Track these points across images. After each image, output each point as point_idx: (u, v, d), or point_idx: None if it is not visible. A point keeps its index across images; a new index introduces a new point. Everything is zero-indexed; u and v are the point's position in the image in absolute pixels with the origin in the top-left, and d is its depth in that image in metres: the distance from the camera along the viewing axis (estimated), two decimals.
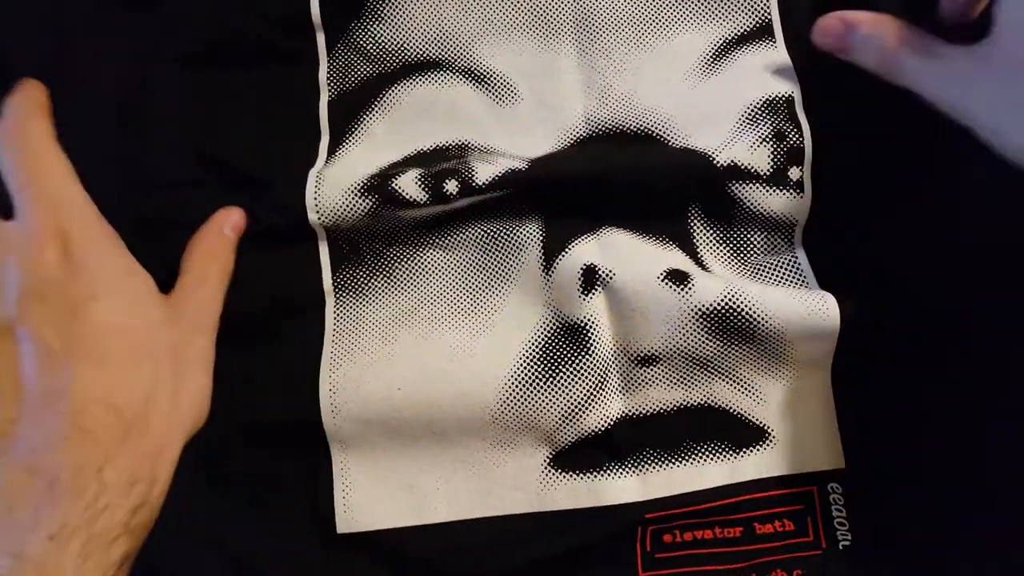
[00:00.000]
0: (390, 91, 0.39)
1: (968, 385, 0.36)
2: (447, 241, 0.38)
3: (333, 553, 0.37)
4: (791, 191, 0.37)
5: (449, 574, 0.36)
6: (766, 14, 0.39)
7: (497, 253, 0.38)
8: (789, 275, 0.37)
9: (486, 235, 0.38)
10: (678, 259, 0.37)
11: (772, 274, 0.38)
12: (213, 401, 0.35)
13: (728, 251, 0.38)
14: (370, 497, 0.37)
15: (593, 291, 0.36)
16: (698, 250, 0.37)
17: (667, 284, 0.36)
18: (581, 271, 0.37)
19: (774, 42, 0.39)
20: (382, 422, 0.37)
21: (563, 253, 0.37)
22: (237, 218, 0.37)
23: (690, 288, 0.36)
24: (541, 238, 0.38)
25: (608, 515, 0.36)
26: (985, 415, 0.35)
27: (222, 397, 0.36)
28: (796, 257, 0.38)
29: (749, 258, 0.38)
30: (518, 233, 0.38)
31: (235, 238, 0.37)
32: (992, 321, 0.36)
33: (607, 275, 0.36)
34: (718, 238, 0.38)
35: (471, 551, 0.37)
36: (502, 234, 0.38)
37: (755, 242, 0.37)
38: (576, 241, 0.37)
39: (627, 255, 0.37)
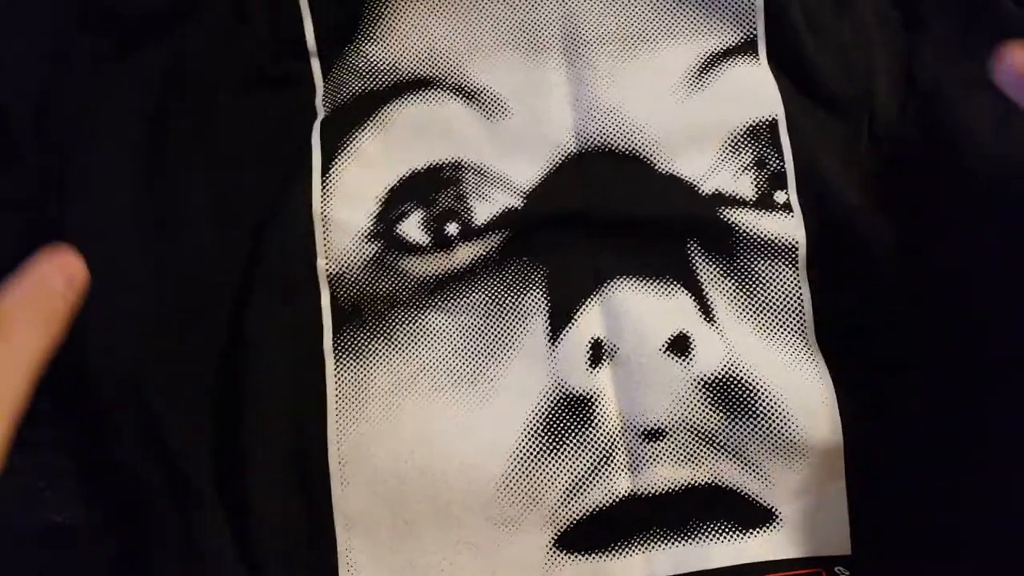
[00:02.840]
0: (382, 109, 0.39)
1: (983, 467, 0.36)
2: (449, 305, 0.38)
3: None
4: (780, 212, 0.38)
5: None
6: (752, 30, 0.40)
7: (500, 319, 0.38)
8: (793, 317, 0.38)
9: (489, 300, 0.38)
10: (684, 313, 0.37)
11: (777, 316, 0.38)
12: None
13: (734, 284, 0.38)
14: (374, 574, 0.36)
15: (600, 364, 0.37)
16: (703, 289, 0.37)
17: (669, 356, 0.36)
18: (589, 344, 0.37)
19: (757, 59, 0.40)
20: (389, 496, 0.36)
21: (569, 325, 0.37)
22: (75, 270, 0.29)
23: (692, 358, 0.36)
24: (547, 307, 0.37)
25: None
26: (999, 506, 0.35)
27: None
28: (800, 288, 0.38)
29: (756, 290, 0.38)
30: (522, 301, 0.38)
31: (69, 297, 0.29)
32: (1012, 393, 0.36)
33: (612, 349, 0.37)
34: (722, 271, 0.38)
35: None
36: (506, 300, 0.38)
37: (760, 271, 0.38)
38: (581, 309, 0.37)
39: (632, 323, 0.37)
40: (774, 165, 0.39)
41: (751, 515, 0.36)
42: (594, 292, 0.37)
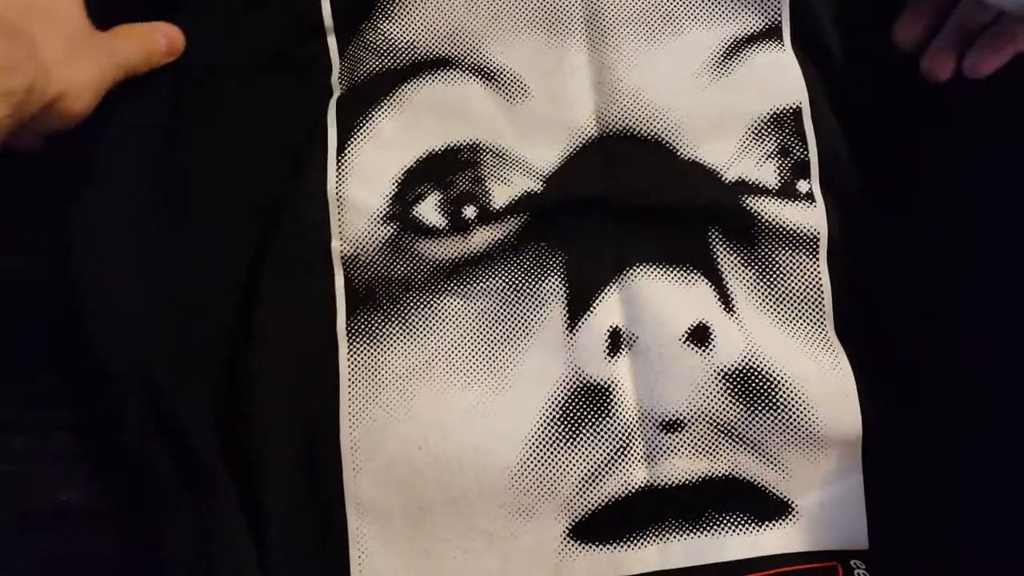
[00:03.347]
0: (400, 89, 0.38)
1: (1002, 465, 0.35)
2: (466, 289, 0.37)
3: None
4: (803, 202, 0.38)
5: None
6: (776, 16, 0.39)
7: (518, 305, 0.37)
8: (813, 307, 0.37)
9: (506, 286, 0.37)
10: (704, 303, 0.36)
11: (797, 306, 0.37)
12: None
13: (755, 274, 0.37)
14: (386, 563, 0.35)
15: (619, 353, 0.36)
16: (723, 278, 0.37)
17: (689, 346, 0.36)
18: (608, 333, 0.36)
19: (782, 44, 0.39)
20: (402, 482, 0.35)
21: (588, 313, 0.37)
22: (177, 38, 0.37)
23: (712, 349, 0.36)
24: (565, 294, 0.37)
25: None
26: (1018, 501, 0.35)
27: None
28: (820, 279, 0.38)
29: (776, 280, 0.37)
30: (540, 287, 0.37)
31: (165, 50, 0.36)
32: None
33: (631, 338, 0.36)
34: (743, 261, 0.37)
35: None
36: (524, 286, 0.37)
37: (781, 261, 0.37)
38: (600, 297, 0.37)
39: (651, 312, 0.36)
40: (798, 154, 0.38)
41: (767, 507, 0.36)
42: (613, 280, 0.37)
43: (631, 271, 0.37)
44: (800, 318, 0.37)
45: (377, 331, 0.37)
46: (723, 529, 0.36)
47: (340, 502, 0.35)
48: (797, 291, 0.37)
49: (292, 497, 0.36)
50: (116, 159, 0.37)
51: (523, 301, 0.37)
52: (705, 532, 0.36)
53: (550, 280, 0.37)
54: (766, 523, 0.36)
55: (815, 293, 0.37)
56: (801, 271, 0.37)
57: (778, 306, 0.37)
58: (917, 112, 0.38)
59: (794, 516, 0.36)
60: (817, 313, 0.37)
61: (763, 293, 0.37)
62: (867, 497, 0.36)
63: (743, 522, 0.36)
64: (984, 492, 0.36)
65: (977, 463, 0.36)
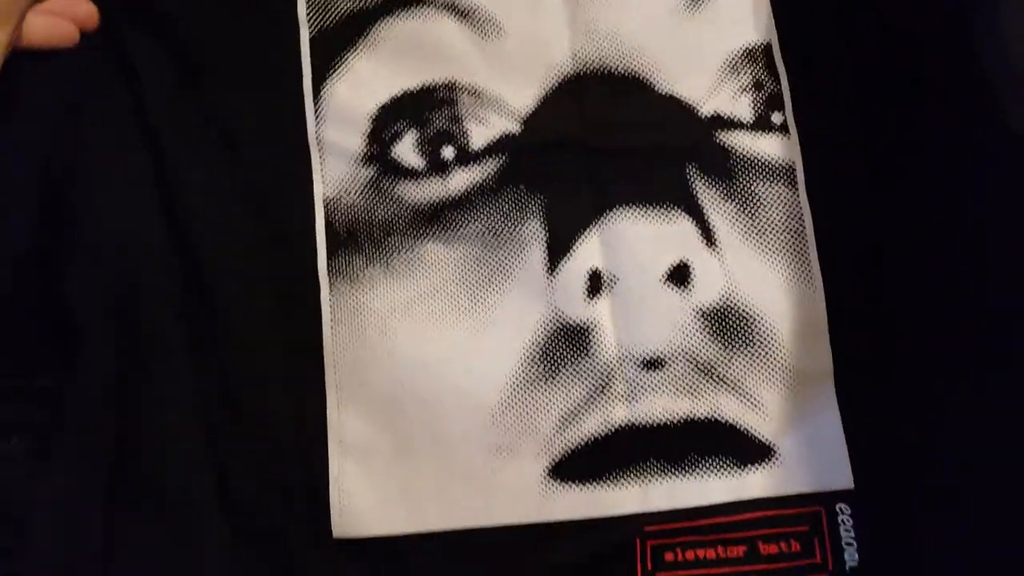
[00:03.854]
0: (373, 27, 0.38)
1: (979, 393, 0.35)
2: (446, 234, 0.37)
3: (327, 559, 0.35)
4: (777, 133, 0.38)
5: None
6: None
7: (498, 249, 0.37)
8: (794, 237, 0.37)
9: (486, 230, 0.37)
10: (684, 240, 0.36)
11: (778, 237, 0.37)
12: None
13: (735, 207, 0.37)
14: (367, 502, 0.35)
15: (598, 295, 0.36)
16: (704, 212, 0.37)
17: (669, 285, 0.36)
18: (588, 275, 0.36)
19: None
20: (384, 421, 0.35)
21: (567, 255, 0.37)
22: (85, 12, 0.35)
23: (691, 288, 0.36)
24: (544, 237, 0.37)
25: (607, 527, 0.35)
26: (999, 426, 0.34)
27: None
28: (800, 209, 0.37)
29: (757, 212, 0.37)
30: (520, 230, 0.37)
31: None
32: (1005, 310, 0.35)
33: (611, 280, 0.36)
34: (722, 194, 0.37)
35: (468, 563, 0.35)
36: (503, 230, 0.37)
37: (760, 193, 0.37)
38: (579, 239, 0.37)
39: (631, 253, 0.36)
40: (770, 87, 0.38)
41: (750, 450, 0.36)
42: (593, 222, 0.37)
43: (611, 213, 0.37)
44: (782, 248, 0.37)
45: (358, 272, 0.37)
46: (706, 472, 0.35)
47: (323, 440, 0.35)
48: (778, 221, 0.37)
49: (274, 436, 0.36)
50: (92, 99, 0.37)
51: (503, 245, 0.37)
52: (687, 475, 0.35)
53: (529, 223, 0.37)
54: (749, 466, 0.36)
55: (796, 222, 0.37)
56: (781, 201, 0.37)
57: (760, 237, 0.37)
58: (887, 49, 0.38)
59: (777, 459, 0.36)
60: (799, 242, 0.37)
61: (745, 224, 0.37)
62: (849, 436, 0.36)
63: (726, 465, 0.36)
64: (962, 428, 0.35)
65: (953, 400, 0.35)
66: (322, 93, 0.38)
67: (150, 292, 0.37)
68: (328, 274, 0.37)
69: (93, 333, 0.36)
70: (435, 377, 0.36)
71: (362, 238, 0.37)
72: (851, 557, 0.35)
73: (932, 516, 0.35)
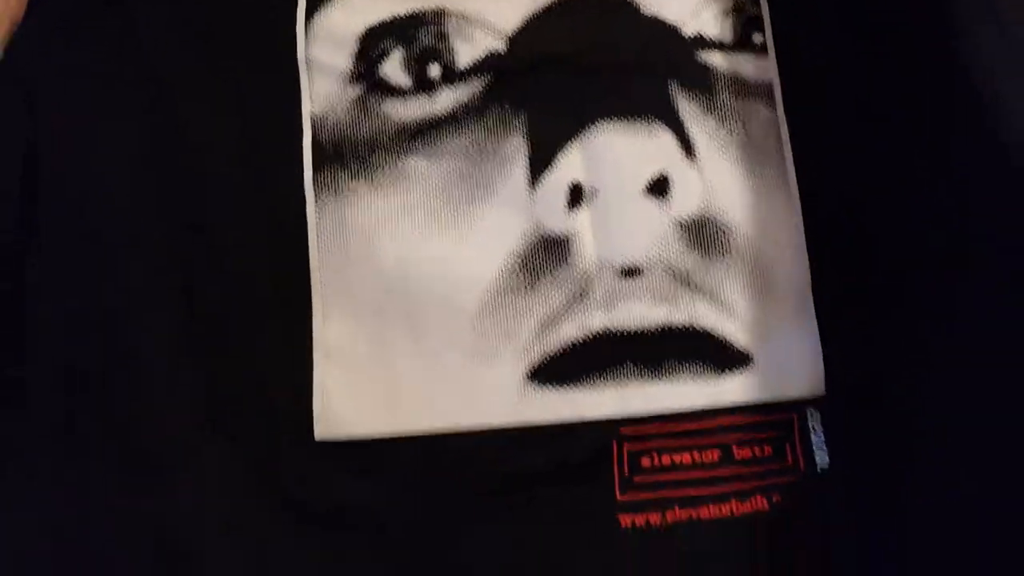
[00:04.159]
0: None
1: (952, 306, 0.36)
2: (430, 150, 0.38)
3: (310, 459, 0.35)
4: (756, 53, 0.39)
5: (424, 486, 0.35)
6: None
7: (481, 165, 0.38)
8: (772, 154, 0.38)
9: (470, 146, 0.38)
10: (664, 153, 0.37)
11: (756, 152, 0.38)
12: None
13: (715, 121, 0.38)
14: (349, 406, 0.36)
15: (579, 206, 0.37)
16: (684, 126, 0.38)
17: (649, 197, 0.37)
18: (568, 187, 0.37)
19: None
20: (368, 328, 0.36)
21: (549, 169, 0.37)
22: None
23: (670, 200, 0.37)
24: (527, 152, 0.38)
25: (584, 430, 0.35)
26: (968, 339, 0.35)
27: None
28: (778, 127, 0.38)
29: (736, 127, 0.38)
30: (503, 146, 0.38)
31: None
32: (982, 233, 0.36)
33: (591, 192, 0.37)
34: (703, 109, 0.38)
35: (447, 464, 0.36)
36: (487, 146, 0.38)
37: (739, 108, 0.38)
38: (561, 153, 0.37)
39: (612, 166, 0.37)
40: (751, 9, 0.39)
41: (726, 357, 0.36)
42: (575, 136, 0.38)
43: (592, 127, 0.38)
44: (760, 162, 0.38)
45: (343, 186, 0.38)
46: (682, 378, 0.36)
47: (307, 347, 0.36)
48: (756, 136, 0.38)
49: (260, 345, 0.36)
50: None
51: (486, 160, 0.38)
52: (664, 380, 0.36)
53: (512, 140, 0.38)
54: (725, 373, 0.36)
55: (774, 139, 0.38)
56: (759, 117, 0.38)
57: (738, 151, 0.38)
58: None
59: (752, 367, 0.37)
60: (776, 158, 0.38)
61: (724, 139, 0.38)
62: (822, 343, 0.37)
63: (702, 371, 0.36)
64: (932, 339, 0.36)
65: (926, 311, 0.36)
66: (315, 17, 0.39)
67: (133, 202, 0.37)
68: (314, 188, 0.38)
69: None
70: (418, 286, 0.37)
71: (347, 154, 0.38)
72: (822, 460, 0.36)
73: (900, 422, 0.36)
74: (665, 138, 0.37)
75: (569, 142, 0.38)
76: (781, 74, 0.38)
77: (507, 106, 0.38)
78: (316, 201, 0.37)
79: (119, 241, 0.37)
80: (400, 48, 0.38)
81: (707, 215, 0.37)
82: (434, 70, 0.38)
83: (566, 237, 0.37)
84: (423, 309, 0.36)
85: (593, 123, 0.38)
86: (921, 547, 0.34)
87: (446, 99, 0.38)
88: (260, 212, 0.38)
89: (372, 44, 0.38)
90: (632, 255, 0.36)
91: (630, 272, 0.36)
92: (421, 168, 0.38)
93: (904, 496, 0.35)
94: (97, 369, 0.36)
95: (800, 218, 0.37)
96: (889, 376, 0.36)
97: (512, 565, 0.35)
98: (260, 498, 0.35)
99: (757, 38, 0.39)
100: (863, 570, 0.35)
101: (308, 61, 0.38)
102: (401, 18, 0.39)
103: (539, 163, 0.38)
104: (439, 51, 0.38)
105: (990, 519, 0.34)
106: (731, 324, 0.37)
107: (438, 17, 0.39)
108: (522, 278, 0.36)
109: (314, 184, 0.38)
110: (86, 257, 0.37)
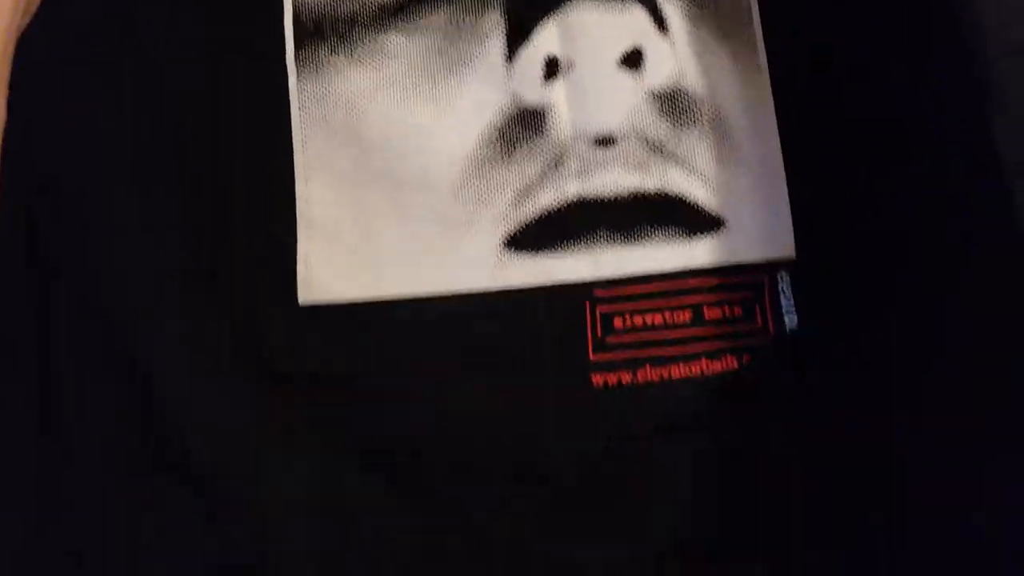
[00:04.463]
0: None
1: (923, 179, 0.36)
2: (409, 25, 0.39)
3: (293, 323, 0.37)
4: None
5: (404, 348, 0.37)
6: None
7: (459, 40, 0.39)
8: (742, 28, 0.39)
9: (448, 22, 0.39)
10: (638, 28, 0.38)
11: (726, 27, 0.39)
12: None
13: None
14: (331, 272, 0.37)
15: (555, 79, 0.38)
16: (657, 1, 0.38)
17: (623, 69, 0.38)
18: (545, 60, 0.38)
19: None
20: (350, 199, 0.37)
21: (526, 43, 0.38)
22: None
23: (643, 71, 0.38)
24: (504, 27, 0.38)
25: (559, 292, 0.37)
26: (935, 208, 0.36)
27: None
28: (749, 4, 0.39)
29: (705, 3, 0.39)
30: (481, 22, 0.39)
31: None
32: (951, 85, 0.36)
33: (567, 64, 0.38)
34: None
35: (426, 326, 0.37)
36: (465, 22, 0.39)
37: None
38: (538, 28, 0.38)
39: (587, 39, 0.38)
40: None
41: (697, 222, 0.37)
42: (552, 11, 0.38)
43: (569, 3, 0.38)
44: (730, 37, 0.39)
45: (324, 61, 0.39)
46: (654, 242, 0.37)
47: (291, 217, 0.38)
48: (726, 10, 0.39)
49: (245, 219, 0.38)
50: None
51: (464, 36, 0.39)
52: (637, 244, 0.37)
53: (490, 16, 0.39)
54: (697, 236, 0.37)
55: (744, 13, 0.39)
56: None
57: (709, 25, 0.39)
58: None
59: (724, 230, 0.37)
60: (746, 32, 0.39)
61: (695, 15, 0.39)
62: (794, 209, 0.37)
63: (674, 235, 0.37)
64: (904, 206, 0.37)
65: (897, 182, 0.37)
66: None
67: (116, 81, 0.38)
68: (296, 63, 0.39)
69: None
70: (399, 156, 0.38)
71: (327, 30, 0.39)
72: (791, 322, 0.37)
73: (869, 285, 0.37)
74: (638, 14, 0.38)
75: (546, 17, 0.38)
76: None
77: None
78: (298, 76, 0.38)
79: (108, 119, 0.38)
80: None
81: (679, 86, 0.38)
82: None
83: (542, 109, 0.38)
84: (403, 180, 0.38)
85: (569, 0, 0.38)
86: (887, 406, 0.36)
87: None
88: (243, 90, 0.39)
89: None
90: (606, 124, 0.37)
91: (604, 141, 0.37)
92: (400, 44, 0.39)
93: (872, 358, 0.36)
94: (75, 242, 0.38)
95: (769, 90, 0.38)
96: (858, 240, 0.37)
97: (486, 423, 0.36)
98: (244, 360, 0.36)
99: None
100: (831, 430, 0.36)
101: None
102: None
103: (516, 37, 0.38)
104: None
105: (958, 374, 0.35)
106: (702, 190, 0.37)
107: None
108: (499, 149, 0.37)
109: (296, 60, 0.38)
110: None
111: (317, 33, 0.39)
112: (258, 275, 0.37)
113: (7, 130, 0.33)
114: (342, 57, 0.39)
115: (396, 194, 0.38)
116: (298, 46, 0.39)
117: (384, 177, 0.38)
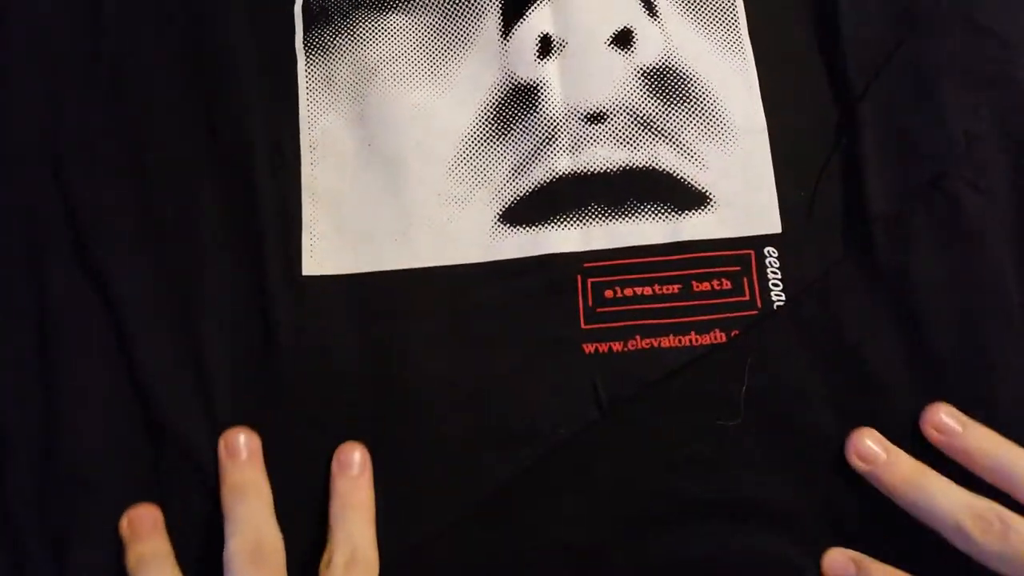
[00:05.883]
0: None
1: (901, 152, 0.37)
2: (409, 5, 0.40)
3: (299, 295, 0.38)
4: None
5: (403, 316, 0.38)
6: None
7: (456, 19, 0.40)
8: (727, 12, 0.40)
9: (445, 1, 0.40)
10: (629, 9, 0.39)
11: (713, 11, 0.40)
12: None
13: None
14: (334, 245, 0.39)
15: (548, 56, 0.39)
16: None
17: (613, 48, 0.39)
18: (538, 38, 0.39)
19: None
20: (353, 176, 0.39)
21: (521, 21, 0.39)
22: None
23: (634, 50, 0.39)
24: (499, 6, 0.40)
25: (551, 264, 0.38)
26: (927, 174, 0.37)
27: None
28: None
29: None
30: (477, 1, 0.40)
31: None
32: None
33: (560, 43, 0.39)
34: None
35: (425, 295, 0.38)
36: (461, 2, 0.40)
37: None
38: (532, 7, 0.39)
39: (579, 19, 0.39)
40: None
41: (686, 197, 0.38)
42: None
43: None
44: (715, 22, 0.40)
45: (329, 44, 0.40)
46: (644, 216, 0.38)
47: (298, 192, 0.39)
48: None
49: (256, 188, 0.39)
50: None
51: (461, 15, 0.40)
52: (627, 218, 0.38)
53: None
54: (685, 211, 0.38)
55: (729, 1, 0.40)
56: None
57: (695, 11, 0.40)
58: None
59: (712, 206, 0.38)
60: (731, 18, 0.40)
61: (682, 1, 0.40)
62: (777, 182, 0.38)
63: (663, 210, 0.38)
64: (885, 182, 0.37)
65: (877, 157, 0.38)
66: None
67: (137, 56, 0.40)
68: (304, 48, 0.40)
69: None
70: (398, 134, 0.39)
71: (333, 12, 0.41)
72: (778, 296, 0.38)
73: (854, 260, 0.37)
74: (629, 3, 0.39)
75: None
76: None
77: None
78: (306, 60, 0.40)
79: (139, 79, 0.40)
80: None
81: (668, 64, 0.39)
82: None
83: (535, 85, 0.39)
84: (403, 156, 0.39)
85: None
86: (872, 380, 0.36)
87: None
88: (257, 74, 0.40)
89: None
90: (597, 101, 0.38)
91: (595, 117, 0.38)
92: (399, 23, 0.40)
93: (857, 332, 0.37)
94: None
95: (754, 69, 0.39)
96: (844, 215, 0.38)
97: (480, 388, 0.37)
98: (248, 328, 0.38)
99: None
100: (814, 403, 0.37)
101: None
102: None
103: (511, 16, 0.40)
104: None
105: (940, 346, 0.36)
106: (691, 166, 0.38)
107: None
108: (495, 126, 0.39)
109: (304, 45, 0.40)
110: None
111: (323, 16, 0.41)
112: (268, 246, 0.39)
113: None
114: (345, 38, 0.40)
115: (395, 171, 0.39)
116: (306, 30, 0.41)
117: (384, 155, 0.39)
